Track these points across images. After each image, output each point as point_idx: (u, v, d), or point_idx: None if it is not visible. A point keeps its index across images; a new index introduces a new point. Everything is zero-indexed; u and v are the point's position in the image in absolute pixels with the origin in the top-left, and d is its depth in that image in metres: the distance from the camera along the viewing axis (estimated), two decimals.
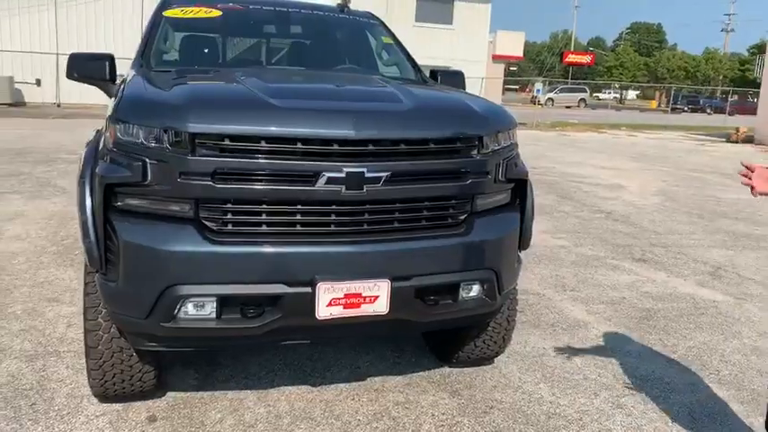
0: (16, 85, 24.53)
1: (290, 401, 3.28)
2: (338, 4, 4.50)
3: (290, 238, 2.62)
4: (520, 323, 4.47)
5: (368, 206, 2.68)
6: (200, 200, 2.55)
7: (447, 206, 2.87)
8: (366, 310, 2.67)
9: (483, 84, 30.27)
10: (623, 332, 4.43)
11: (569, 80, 66.59)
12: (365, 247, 2.67)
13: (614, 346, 4.18)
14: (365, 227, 2.71)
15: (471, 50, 31.47)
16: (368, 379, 3.57)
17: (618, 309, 4.90)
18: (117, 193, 2.62)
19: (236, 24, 4.24)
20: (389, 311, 2.69)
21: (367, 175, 2.61)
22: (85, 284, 2.90)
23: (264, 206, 2.59)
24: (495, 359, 3.84)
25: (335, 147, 2.59)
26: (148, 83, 2.89)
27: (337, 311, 2.63)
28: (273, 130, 2.54)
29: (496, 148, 2.97)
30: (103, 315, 2.85)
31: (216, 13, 4.04)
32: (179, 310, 2.59)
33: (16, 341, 3.83)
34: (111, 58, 3.65)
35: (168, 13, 4.02)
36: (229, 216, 2.58)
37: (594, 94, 65.49)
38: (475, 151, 2.87)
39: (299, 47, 4.41)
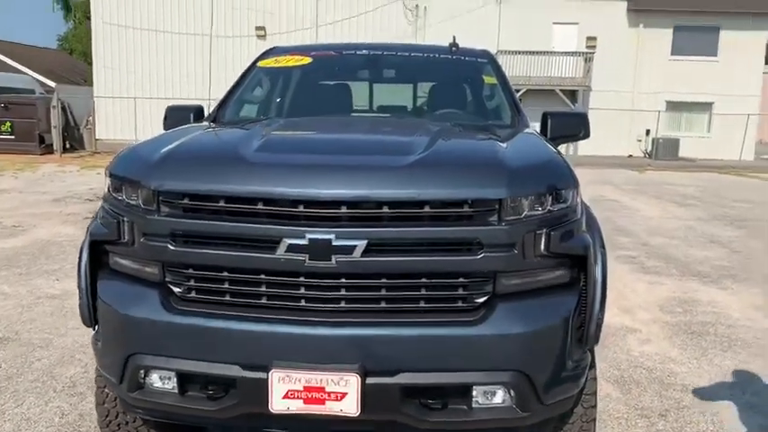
0: None
1: None
2: (450, 43, 4.06)
3: (252, 313, 2.27)
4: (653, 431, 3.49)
5: (343, 281, 2.22)
6: (165, 263, 2.34)
7: (454, 286, 2.26)
8: (332, 408, 2.18)
9: (749, 122, 26.32)
10: None
11: None
12: (334, 331, 2.20)
13: None
14: (342, 305, 2.24)
15: (740, 84, 27.61)
16: None
17: None
18: (106, 251, 2.54)
19: (324, 72, 4.05)
20: (361, 413, 2.17)
21: (335, 243, 2.15)
22: None
23: (226, 274, 2.29)
24: None
25: (301, 208, 2.19)
26: (163, 138, 2.79)
27: (296, 406, 2.19)
28: (235, 188, 2.24)
29: (533, 214, 2.28)
30: None
31: (306, 60, 3.90)
32: (144, 380, 2.39)
33: None
34: (197, 110, 3.69)
35: (263, 63, 3.98)
36: (192, 283, 2.33)
37: None
38: (494, 217, 2.23)
39: (388, 92, 4.07)
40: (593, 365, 2.65)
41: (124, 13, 28.04)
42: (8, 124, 20.59)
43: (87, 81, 31.80)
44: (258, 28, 27.90)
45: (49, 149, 20.83)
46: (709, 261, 7.84)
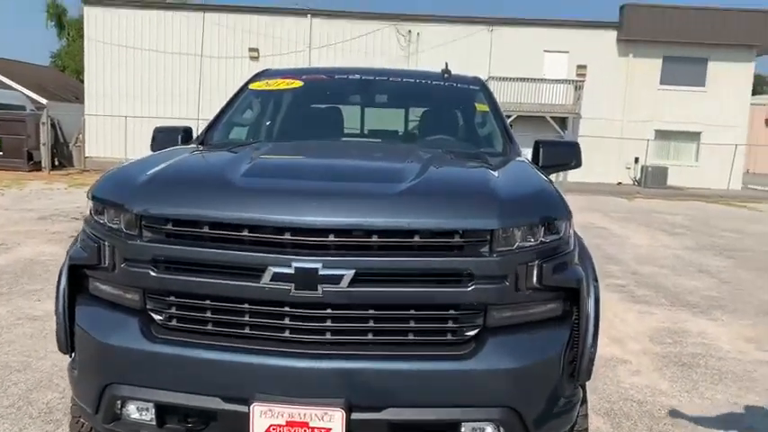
0: None
1: None
2: (442, 69, 4.05)
3: (235, 343, 2.20)
4: None
5: (329, 311, 2.15)
6: (146, 290, 2.27)
7: (444, 318, 2.20)
8: None
9: (736, 151, 26.59)
10: None
11: None
12: (319, 364, 2.13)
13: None
14: (327, 337, 2.18)
15: (727, 114, 27.98)
16: None
17: None
18: (86, 275, 2.47)
19: (315, 95, 4.02)
20: None
21: (322, 272, 2.09)
22: None
23: (209, 302, 2.22)
24: None
25: (287, 236, 2.13)
26: (148, 160, 2.73)
27: None
28: (220, 214, 2.18)
29: (525, 245, 2.24)
30: None
31: (297, 84, 3.87)
32: (121, 411, 2.30)
33: None
34: (185, 131, 3.65)
35: (254, 85, 3.95)
36: (173, 311, 2.25)
37: None
38: (485, 248, 2.18)
39: (380, 117, 4.04)
40: (584, 401, 2.59)
41: (117, 31, 28.10)
42: None
43: (79, 98, 31.73)
44: (251, 49, 28.02)
45: (37, 166, 20.68)
46: (698, 291, 7.82)
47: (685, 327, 6.19)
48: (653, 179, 26.78)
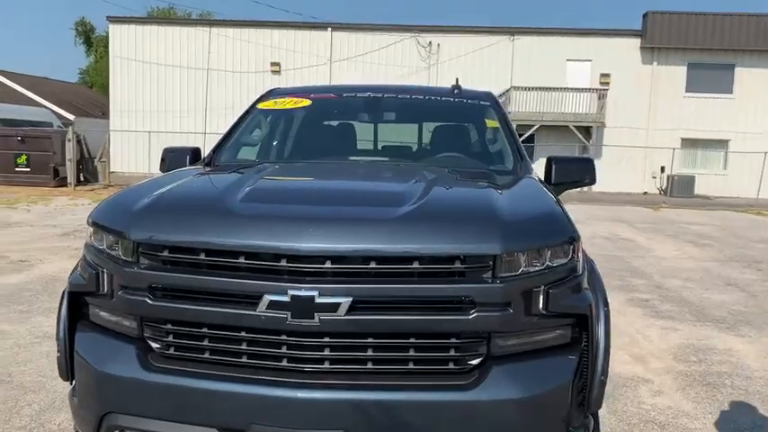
0: None
1: None
2: (452, 85, 3.98)
3: (231, 373, 2.15)
4: None
5: (326, 340, 2.10)
6: (143, 318, 2.24)
7: (445, 347, 2.13)
8: None
9: (766, 159, 25.98)
10: None
11: None
12: (317, 394, 2.07)
13: None
14: (325, 366, 2.12)
15: (757, 122, 27.45)
16: None
17: None
18: (86, 302, 2.46)
19: (323, 114, 3.98)
20: None
21: (319, 300, 2.04)
22: None
23: (205, 330, 2.18)
24: None
25: (283, 263, 2.08)
26: (147, 185, 2.71)
27: None
28: (215, 240, 2.14)
29: (530, 270, 2.16)
30: None
31: (305, 102, 3.84)
32: None
33: None
34: (193, 151, 3.63)
35: (262, 105, 3.93)
36: (170, 339, 2.22)
37: None
38: (488, 274, 2.11)
39: (388, 136, 3.99)
40: (596, 430, 2.49)
41: (142, 48, 28.56)
42: (24, 157, 20.90)
43: (105, 114, 32.29)
44: (273, 63, 28.26)
45: (63, 182, 21.05)
46: (725, 305, 7.60)
47: (711, 344, 6.00)
48: (680, 188, 26.29)
